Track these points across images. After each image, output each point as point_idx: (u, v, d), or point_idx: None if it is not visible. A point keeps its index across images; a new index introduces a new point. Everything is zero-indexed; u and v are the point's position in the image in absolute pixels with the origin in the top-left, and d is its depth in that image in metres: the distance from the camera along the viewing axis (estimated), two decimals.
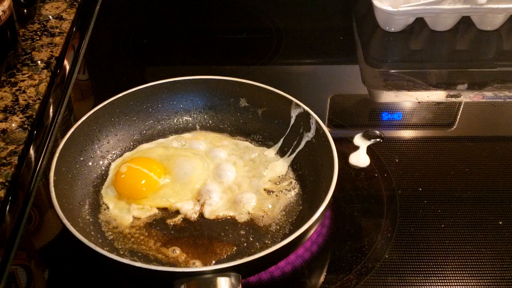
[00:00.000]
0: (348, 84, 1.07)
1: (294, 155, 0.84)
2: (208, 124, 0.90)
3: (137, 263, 0.65)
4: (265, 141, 0.88)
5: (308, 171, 0.82)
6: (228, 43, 1.20)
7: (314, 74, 1.11)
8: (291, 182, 0.82)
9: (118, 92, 0.86)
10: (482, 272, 0.74)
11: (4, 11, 0.93)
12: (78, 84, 1.07)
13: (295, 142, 0.85)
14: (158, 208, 0.79)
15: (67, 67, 1.08)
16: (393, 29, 1.16)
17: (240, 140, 0.88)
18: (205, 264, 0.72)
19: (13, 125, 0.90)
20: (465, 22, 1.16)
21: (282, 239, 0.70)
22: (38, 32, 1.10)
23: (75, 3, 1.19)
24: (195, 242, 0.74)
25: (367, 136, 0.90)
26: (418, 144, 0.94)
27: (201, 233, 0.76)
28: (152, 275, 0.65)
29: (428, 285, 0.72)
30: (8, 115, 0.92)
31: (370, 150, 0.90)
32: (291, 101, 0.84)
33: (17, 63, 1.02)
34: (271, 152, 0.86)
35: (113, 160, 0.85)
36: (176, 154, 0.84)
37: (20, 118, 0.92)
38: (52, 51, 1.06)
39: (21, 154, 0.86)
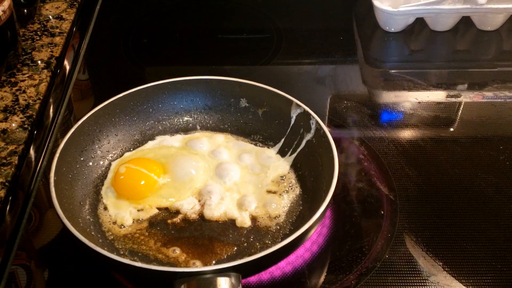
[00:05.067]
0: (348, 84, 1.07)
1: (294, 155, 0.84)
2: (208, 124, 0.90)
3: (137, 263, 0.65)
4: (266, 141, 0.88)
5: (309, 171, 0.82)
6: (228, 43, 1.20)
7: (314, 74, 1.11)
8: (291, 182, 0.82)
9: (118, 92, 0.86)
10: (482, 272, 0.74)
11: (4, 11, 0.93)
12: (78, 84, 1.07)
13: (295, 142, 0.85)
14: (159, 208, 0.79)
15: (67, 67, 1.08)
16: (393, 29, 1.16)
17: (241, 140, 0.88)
18: (205, 264, 0.72)
19: (13, 125, 0.90)
20: (465, 22, 1.16)
21: (282, 239, 0.70)
22: (38, 32, 1.10)
23: (75, 3, 1.19)
24: (195, 242, 0.75)
25: None
26: (418, 144, 0.94)
27: (201, 233, 0.76)
28: (152, 275, 0.65)
29: (428, 286, 0.72)
30: (8, 115, 0.92)
31: (370, 150, 0.90)
32: (291, 101, 0.84)
33: (17, 63, 1.02)
34: (271, 152, 0.86)
35: (114, 160, 0.85)
36: (176, 154, 0.84)
37: (20, 118, 0.92)
38: (52, 51, 1.06)
39: (21, 154, 0.86)
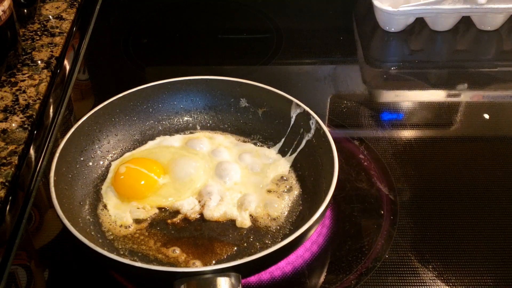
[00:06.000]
0: (348, 84, 1.07)
1: (295, 155, 0.84)
2: (208, 124, 0.90)
3: (137, 263, 0.65)
4: (266, 141, 0.88)
5: (309, 171, 0.82)
6: (228, 43, 1.20)
7: (314, 74, 1.11)
8: (291, 183, 0.82)
9: (118, 92, 0.86)
10: (482, 272, 0.74)
11: (4, 11, 0.93)
12: (78, 84, 1.07)
13: (295, 142, 0.85)
14: (159, 208, 0.79)
15: (67, 67, 1.08)
16: (393, 29, 1.16)
17: (241, 140, 0.88)
18: (205, 264, 0.72)
19: (13, 125, 0.90)
20: (465, 22, 1.16)
21: (282, 239, 0.70)
22: (38, 32, 1.10)
23: (75, 3, 1.19)
24: (195, 242, 0.75)
25: None
26: (418, 144, 0.94)
27: (201, 233, 0.76)
28: (152, 275, 0.65)
29: (428, 286, 0.72)
30: (8, 115, 0.92)
31: (370, 150, 0.90)
32: (291, 101, 0.84)
33: (17, 63, 1.02)
34: (272, 152, 0.86)
35: (114, 160, 0.85)
36: (176, 154, 0.84)
37: (20, 118, 0.92)
38: (52, 51, 1.06)
39: (21, 154, 0.86)
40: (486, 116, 0.98)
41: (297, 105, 0.84)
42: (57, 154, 0.76)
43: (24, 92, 0.97)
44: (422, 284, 0.73)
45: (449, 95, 1.05)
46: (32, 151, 0.90)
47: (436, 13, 1.12)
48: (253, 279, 0.73)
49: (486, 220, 0.80)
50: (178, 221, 0.77)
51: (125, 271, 0.69)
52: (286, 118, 0.86)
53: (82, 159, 0.82)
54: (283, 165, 0.84)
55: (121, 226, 0.76)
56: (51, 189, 0.72)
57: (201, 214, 0.78)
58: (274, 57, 1.13)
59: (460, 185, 0.86)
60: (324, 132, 0.79)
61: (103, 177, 0.83)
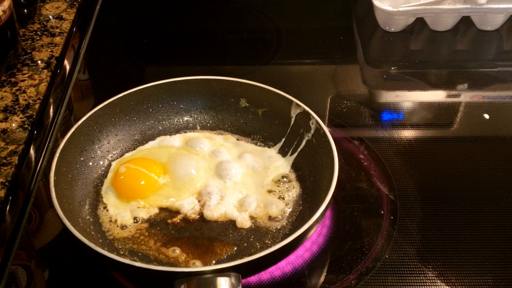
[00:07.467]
0: (348, 84, 1.07)
1: (295, 155, 0.84)
2: (208, 124, 0.90)
3: (137, 263, 0.65)
4: (266, 141, 0.88)
5: (309, 171, 0.82)
6: (228, 43, 1.20)
7: (314, 74, 1.11)
8: (291, 183, 0.82)
9: (118, 92, 0.86)
10: (482, 271, 0.74)
11: (4, 11, 0.93)
12: (78, 84, 1.07)
13: (295, 142, 0.85)
14: (159, 208, 0.79)
15: (67, 67, 1.08)
16: (393, 29, 1.16)
17: (241, 140, 0.88)
18: (205, 264, 0.72)
19: (13, 125, 0.90)
20: (465, 22, 1.16)
21: (282, 239, 0.70)
22: (38, 32, 1.10)
23: (75, 3, 1.19)
24: (195, 242, 0.75)
25: None
26: (418, 144, 0.94)
27: (201, 233, 0.76)
28: (152, 275, 0.65)
29: (428, 286, 0.72)
30: (8, 115, 0.92)
31: (370, 150, 0.90)
32: (291, 101, 0.84)
33: (17, 63, 1.02)
34: (272, 152, 0.86)
35: (114, 160, 0.85)
36: (176, 154, 0.84)
37: (20, 118, 0.92)
38: (52, 51, 1.06)
39: (21, 154, 0.86)
40: (486, 116, 0.98)
41: (297, 105, 0.84)
42: (57, 154, 0.76)
43: (24, 92, 0.97)
44: (422, 284, 0.73)
45: (449, 95, 1.05)
46: (32, 151, 0.90)
47: (436, 13, 1.12)
48: (253, 279, 0.73)
49: (486, 220, 0.81)
50: (178, 221, 0.77)
51: (125, 271, 0.69)
52: (286, 118, 0.86)
53: (82, 159, 0.82)
54: (284, 165, 0.84)
55: (121, 226, 0.76)
56: (51, 189, 0.72)
57: (201, 214, 0.78)
58: (274, 57, 1.13)
59: (460, 185, 0.86)
60: (324, 132, 0.79)
61: (103, 177, 0.83)
